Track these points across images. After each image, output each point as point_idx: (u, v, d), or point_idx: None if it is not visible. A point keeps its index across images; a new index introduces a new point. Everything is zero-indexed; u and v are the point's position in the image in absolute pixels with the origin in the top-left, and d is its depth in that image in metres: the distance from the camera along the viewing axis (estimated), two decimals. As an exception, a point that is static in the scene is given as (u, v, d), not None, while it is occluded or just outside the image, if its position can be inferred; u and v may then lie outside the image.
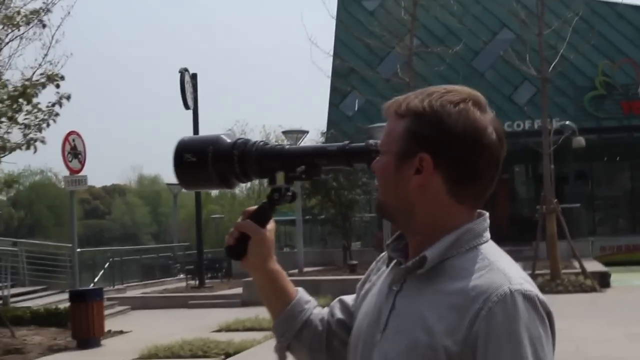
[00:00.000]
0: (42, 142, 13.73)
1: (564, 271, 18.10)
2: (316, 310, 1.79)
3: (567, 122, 24.00)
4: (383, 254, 1.73)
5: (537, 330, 1.43)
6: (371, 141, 1.68)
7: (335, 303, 1.81)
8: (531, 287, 1.46)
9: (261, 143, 1.74)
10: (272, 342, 1.79)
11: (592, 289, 17.13)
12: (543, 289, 17.00)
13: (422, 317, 1.48)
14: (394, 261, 1.62)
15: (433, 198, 1.53)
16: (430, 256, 1.50)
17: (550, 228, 17.84)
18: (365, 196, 24.58)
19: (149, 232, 78.29)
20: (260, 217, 1.75)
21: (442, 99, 1.52)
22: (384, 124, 1.65)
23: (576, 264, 18.57)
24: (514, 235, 27.22)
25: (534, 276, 17.69)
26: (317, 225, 26.49)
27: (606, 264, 21.14)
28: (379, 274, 1.70)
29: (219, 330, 14.08)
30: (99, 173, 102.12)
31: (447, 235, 1.52)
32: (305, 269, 22.03)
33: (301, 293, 1.80)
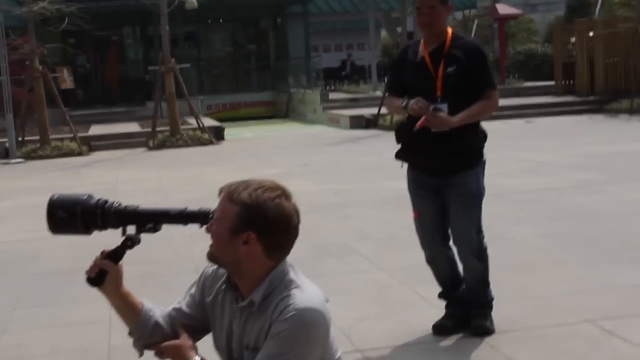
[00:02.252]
0: None
1: (182, 127, 19.11)
2: (157, 313, 2.53)
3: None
4: (207, 270, 2.56)
5: (308, 330, 2.27)
6: (202, 209, 2.40)
7: (177, 306, 2.58)
8: (312, 303, 2.31)
9: (116, 204, 2.43)
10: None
11: (210, 142, 18.39)
12: (165, 144, 17.97)
13: (258, 336, 2.33)
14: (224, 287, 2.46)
15: (255, 259, 2.35)
16: (257, 300, 2.35)
17: (168, 87, 18.57)
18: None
19: None
20: (115, 256, 2.47)
21: (264, 194, 2.31)
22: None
23: (192, 120, 19.69)
24: (126, 97, 27.64)
25: (155, 133, 18.53)
26: None
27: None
28: (215, 294, 2.49)
29: None
30: None
31: (264, 280, 2.35)
32: None
33: (146, 304, 2.54)
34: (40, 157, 17.12)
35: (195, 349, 2.49)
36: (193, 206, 2.44)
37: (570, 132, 16.60)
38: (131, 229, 2.44)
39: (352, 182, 11.23)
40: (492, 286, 4.79)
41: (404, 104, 4.56)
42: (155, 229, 2.43)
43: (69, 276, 6.66)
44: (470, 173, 4.58)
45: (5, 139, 17.40)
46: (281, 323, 2.27)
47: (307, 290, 2.34)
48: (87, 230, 2.42)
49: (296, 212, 2.37)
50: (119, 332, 4.97)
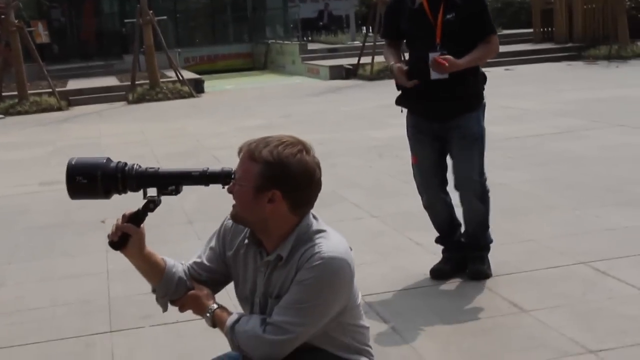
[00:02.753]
0: None
1: (161, 80, 18.94)
2: (179, 269, 2.52)
3: None
4: (226, 224, 2.53)
5: (334, 278, 2.30)
6: (225, 169, 2.35)
7: (198, 260, 2.57)
8: (337, 251, 2.32)
9: (137, 167, 2.36)
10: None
11: (190, 95, 18.27)
12: (144, 97, 17.83)
13: (283, 283, 2.35)
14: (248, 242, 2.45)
15: (281, 217, 2.34)
16: (284, 254, 2.35)
17: (147, 39, 18.37)
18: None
19: None
20: (137, 219, 2.41)
21: (285, 151, 2.27)
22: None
23: (171, 73, 19.53)
24: (103, 51, 27.35)
25: (134, 86, 18.35)
26: None
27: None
28: (237, 248, 2.49)
29: None
30: None
31: (290, 235, 2.35)
32: None
33: (168, 262, 2.51)
34: (19, 113, 16.94)
35: (213, 297, 2.52)
36: (213, 166, 2.39)
37: (550, 79, 16.65)
38: (151, 192, 2.39)
39: (335, 132, 11.23)
40: (487, 230, 4.85)
41: (390, 66, 4.64)
42: (177, 191, 2.37)
43: (60, 229, 6.65)
44: (471, 115, 4.58)
45: (-17, 95, 17.19)
46: (307, 271, 2.28)
47: (332, 238, 2.35)
48: (107, 194, 2.37)
49: (318, 165, 2.35)
50: (118, 283, 5.04)
